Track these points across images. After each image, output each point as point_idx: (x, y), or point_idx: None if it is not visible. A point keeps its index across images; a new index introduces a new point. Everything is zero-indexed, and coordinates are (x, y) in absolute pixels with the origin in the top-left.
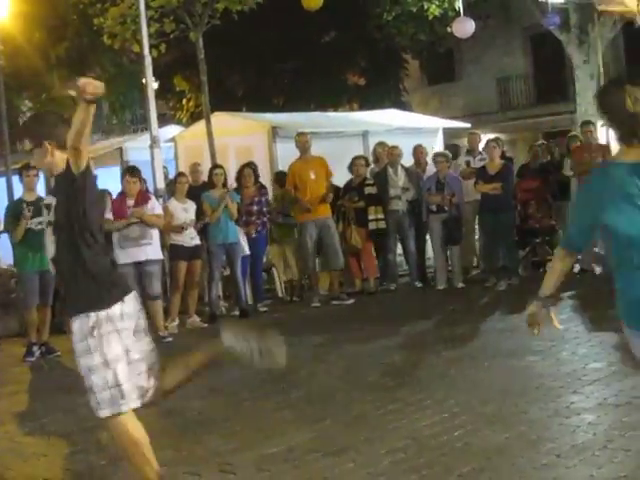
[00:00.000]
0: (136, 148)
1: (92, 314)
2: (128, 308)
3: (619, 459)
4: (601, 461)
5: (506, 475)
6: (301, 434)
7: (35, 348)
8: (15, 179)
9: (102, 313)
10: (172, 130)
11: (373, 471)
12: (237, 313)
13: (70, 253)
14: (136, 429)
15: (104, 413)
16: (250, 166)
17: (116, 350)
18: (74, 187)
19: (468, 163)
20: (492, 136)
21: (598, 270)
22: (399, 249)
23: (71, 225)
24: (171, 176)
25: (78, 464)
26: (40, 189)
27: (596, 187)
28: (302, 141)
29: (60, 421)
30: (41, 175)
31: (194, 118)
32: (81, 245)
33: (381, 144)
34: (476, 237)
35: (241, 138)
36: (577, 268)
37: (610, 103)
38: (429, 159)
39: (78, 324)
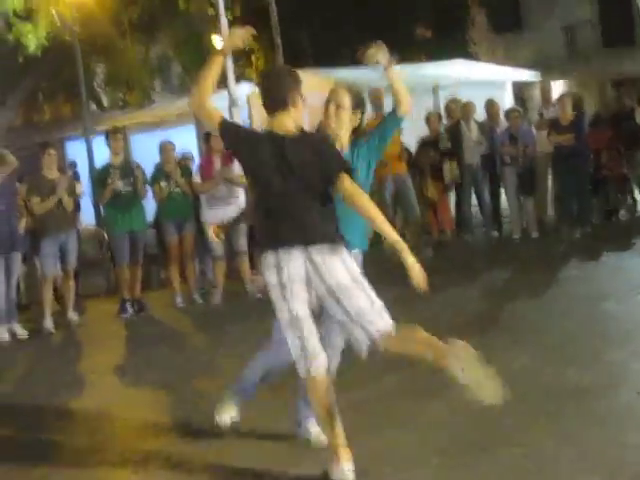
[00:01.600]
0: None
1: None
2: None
3: None
4: None
5: (589, 412)
6: (390, 378)
7: (128, 305)
8: (96, 140)
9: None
10: (244, 88)
11: (462, 411)
12: None
13: None
14: (322, 391)
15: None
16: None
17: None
18: None
19: (541, 114)
20: (560, 84)
21: None
22: (474, 201)
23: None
24: None
25: (183, 412)
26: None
27: None
28: (376, 97)
29: (160, 373)
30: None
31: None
32: None
33: (453, 101)
34: (549, 187)
35: (313, 94)
36: None
37: None
38: (501, 113)
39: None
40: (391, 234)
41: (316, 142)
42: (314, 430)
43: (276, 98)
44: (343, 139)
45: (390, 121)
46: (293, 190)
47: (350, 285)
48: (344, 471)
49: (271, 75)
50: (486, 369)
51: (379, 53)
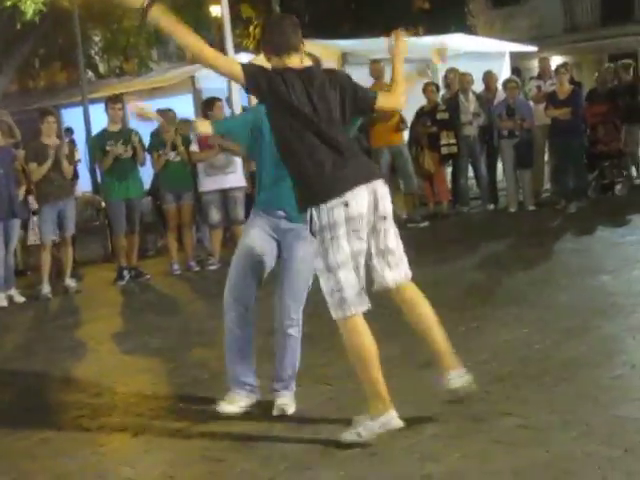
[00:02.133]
0: (207, 77)
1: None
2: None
3: None
4: None
5: (583, 384)
6: (390, 348)
7: (125, 272)
8: (91, 108)
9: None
10: (241, 58)
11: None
12: None
13: None
14: (361, 334)
15: (334, 315)
16: None
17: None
18: None
19: (539, 88)
20: (557, 59)
21: None
22: (470, 173)
23: None
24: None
25: (182, 378)
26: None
27: None
28: (377, 68)
29: (159, 339)
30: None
31: (260, 46)
32: None
33: (452, 70)
34: (545, 160)
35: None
36: None
37: None
38: (499, 85)
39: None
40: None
41: (340, 77)
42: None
43: (290, 40)
44: None
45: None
46: (329, 125)
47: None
48: (393, 418)
49: (281, 19)
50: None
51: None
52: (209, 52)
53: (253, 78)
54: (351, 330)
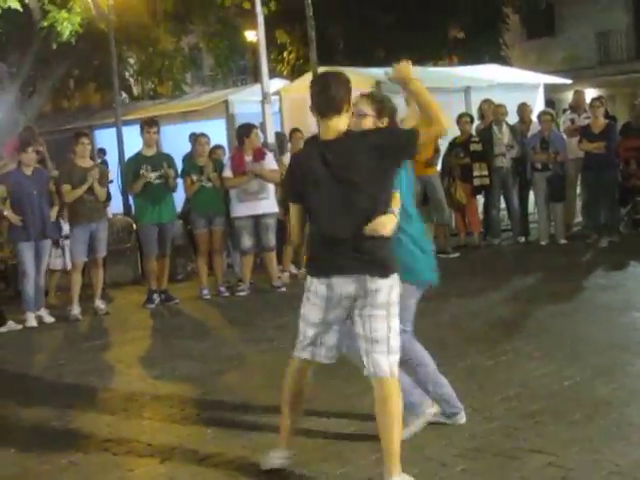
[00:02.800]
0: (241, 101)
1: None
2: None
3: None
4: None
5: (613, 423)
6: None
7: (155, 296)
8: (125, 129)
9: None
10: (275, 83)
11: (489, 416)
12: None
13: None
14: (294, 378)
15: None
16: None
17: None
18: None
19: (573, 121)
20: (591, 91)
21: None
22: (502, 205)
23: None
24: (276, 129)
25: (210, 405)
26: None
27: None
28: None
29: (187, 365)
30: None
31: (295, 71)
32: None
33: (487, 101)
34: (577, 194)
35: None
36: None
37: None
38: (533, 116)
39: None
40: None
41: (372, 135)
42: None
43: (333, 102)
44: None
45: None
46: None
47: (381, 309)
48: (281, 458)
49: (333, 77)
50: None
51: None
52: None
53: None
54: (289, 368)
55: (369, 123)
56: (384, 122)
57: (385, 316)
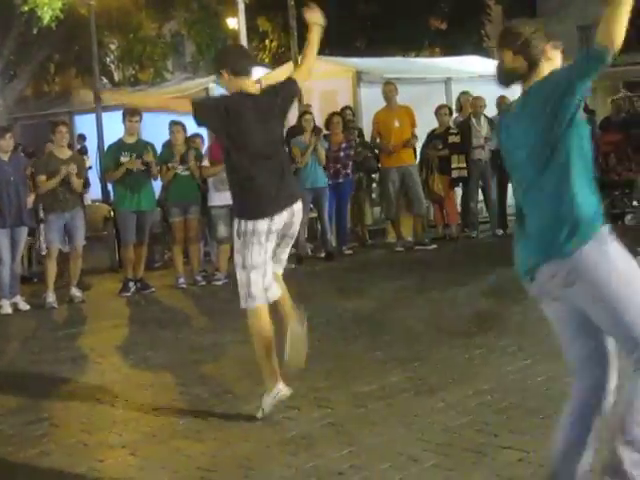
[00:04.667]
0: (222, 88)
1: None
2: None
3: None
4: None
5: None
6: (392, 374)
7: (131, 284)
8: (105, 115)
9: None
10: (257, 71)
11: (461, 410)
12: (323, 255)
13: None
14: (261, 320)
15: (242, 305)
16: (340, 114)
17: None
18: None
19: None
20: None
21: None
22: (480, 197)
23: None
24: None
25: (183, 395)
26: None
27: None
28: (388, 90)
29: (162, 354)
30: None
31: (276, 59)
32: None
33: (465, 94)
34: None
35: (326, 82)
36: None
37: None
38: None
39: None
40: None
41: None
42: None
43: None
44: None
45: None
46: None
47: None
48: (274, 396)
49: (241, 47)
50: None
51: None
52: None
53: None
54: (254, 317)
55: None
56: None
57: None
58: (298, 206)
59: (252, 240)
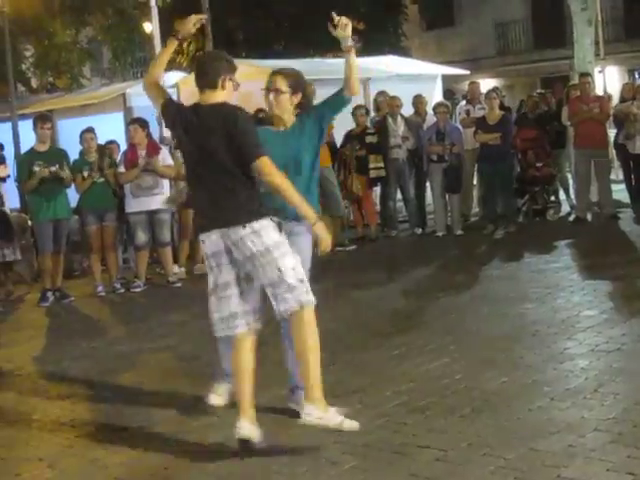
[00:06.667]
0: (139, 94)
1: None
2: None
3: (609, 402)
4: (592, 404)
5: (503, 416)
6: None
7: (49, 294)
8: (21, 123)
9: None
10: (174, 75)
11: (379, 412)
12: None
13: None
14: (239, 356)
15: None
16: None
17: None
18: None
19: (468, 112)
20: (490, 81)
21: (590, 217)
22: (399, 196)
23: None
24: None
25: (101, 405)
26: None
27: None
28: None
29: (80, 365)
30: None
31: (194, 62)
32: None
33: (382, 93)
34: (474, 184)
35: (243, 84)
36: (572, 217)
37: None
38: (429, 108)
39: None
40: (301, 206)
41: (237, 117)
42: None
43: (208, 78)
44: (287, 122)
45: (337, 100)
46: (207, 162)
47: (261, 257)
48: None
49: (208, 56)
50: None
51: (347, 30)
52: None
53: (166, 110)
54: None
55: (285, 99)
56: (298, 97)
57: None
58: (237, 231)
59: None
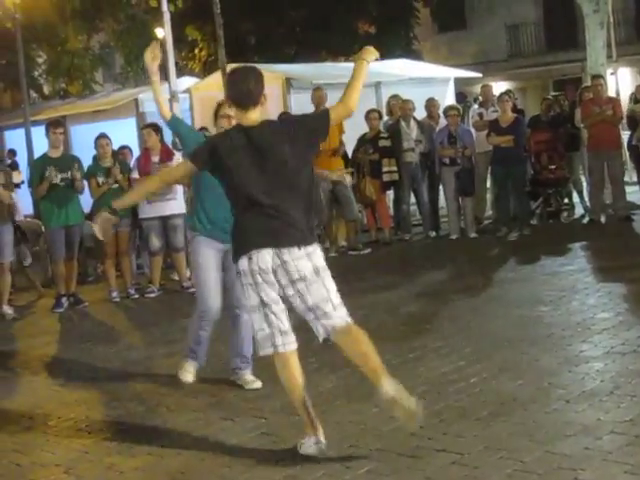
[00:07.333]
0: (152, 99)
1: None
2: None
3: (625, 404)
4: (608, 406)
5: (519, 419)
6: (325, 381)
7: (64, 299)
8: (35, 130)
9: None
10: (186, 81)
11: (394, 417)
12: None
13: None
14: (287, 373)
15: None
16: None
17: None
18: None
19: (481, 115)
20: (502, 84)
21: (603, 219)
22: (412, 200)
23: None
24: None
25: (117, 410)
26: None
27: None
28: (318, 96)
29: (95, 370)
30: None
31: (206, 68)
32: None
33: (394, 97)
34: (488, 187)
35: None
36: (586, 219)
37: None
38: (441, 111)
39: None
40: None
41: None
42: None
43: (253, 97)
44: None
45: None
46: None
47: (310, 278)
48: (314, 444)
49: (250, 74)
50: (410, 406)
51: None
52: (156, 180)
53: (198, 158)
54: (278, 364)
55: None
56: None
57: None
58: (292, 252)
59: (242, 280)
